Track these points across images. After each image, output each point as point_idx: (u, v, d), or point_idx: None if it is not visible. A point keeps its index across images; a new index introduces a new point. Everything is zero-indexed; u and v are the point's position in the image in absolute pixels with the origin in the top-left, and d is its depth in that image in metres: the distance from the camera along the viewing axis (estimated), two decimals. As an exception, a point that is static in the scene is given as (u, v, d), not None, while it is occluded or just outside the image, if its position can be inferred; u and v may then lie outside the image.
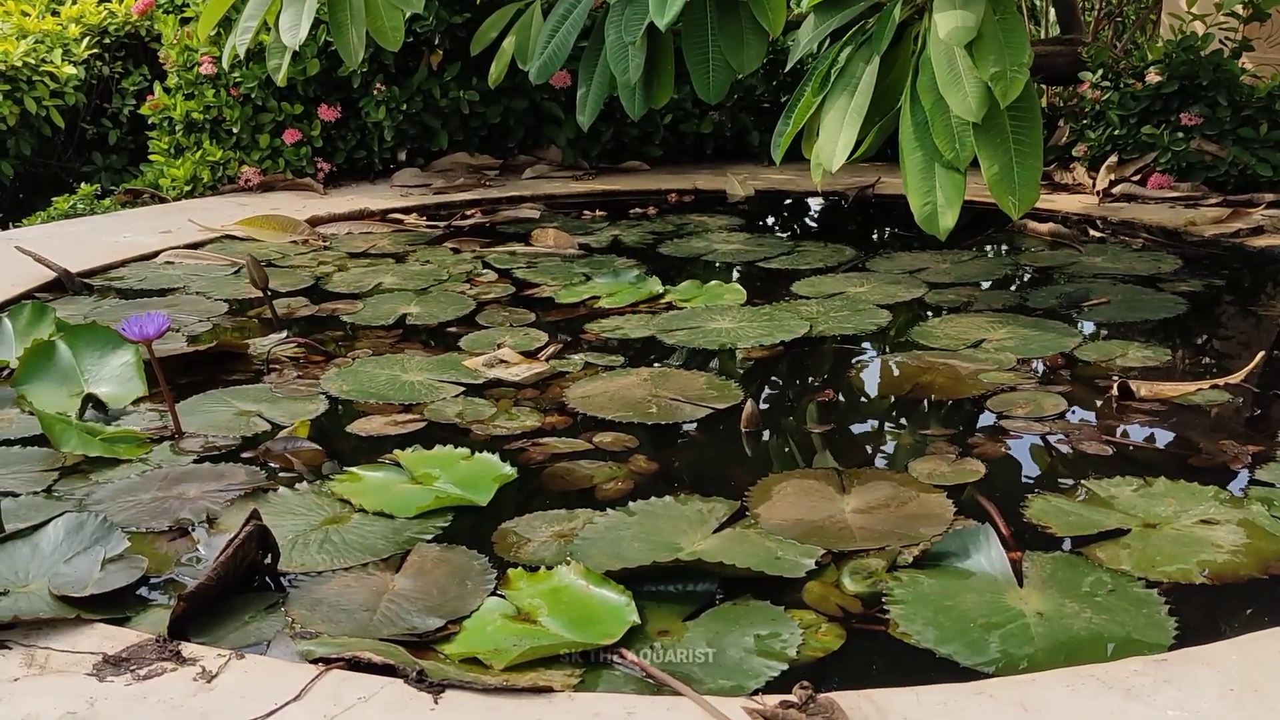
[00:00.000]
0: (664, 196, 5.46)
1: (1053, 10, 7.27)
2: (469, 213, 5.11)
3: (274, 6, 4.16)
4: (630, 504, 2.35)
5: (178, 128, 5.53)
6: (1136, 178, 5.25)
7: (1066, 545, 2.19)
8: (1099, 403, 2.90)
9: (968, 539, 2.15)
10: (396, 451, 2.60)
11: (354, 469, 2.51)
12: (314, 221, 4.85)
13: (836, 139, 3.50)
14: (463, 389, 3.01)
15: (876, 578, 2.08)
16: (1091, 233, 4.69)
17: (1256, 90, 5.16)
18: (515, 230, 4.82)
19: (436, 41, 5.61)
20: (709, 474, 2.58)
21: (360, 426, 2.78)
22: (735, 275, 4.13)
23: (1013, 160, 3.27)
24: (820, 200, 5.47)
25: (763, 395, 3.02)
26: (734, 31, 4.08)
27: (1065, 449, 2.62)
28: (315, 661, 1.78)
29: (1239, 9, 5.42)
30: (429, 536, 2.23)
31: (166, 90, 5.62)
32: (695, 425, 2.79)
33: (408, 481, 2.46)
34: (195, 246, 4.50)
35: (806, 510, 2.34)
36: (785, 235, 4.73)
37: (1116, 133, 5.35)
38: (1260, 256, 4.25)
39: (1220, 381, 2.97)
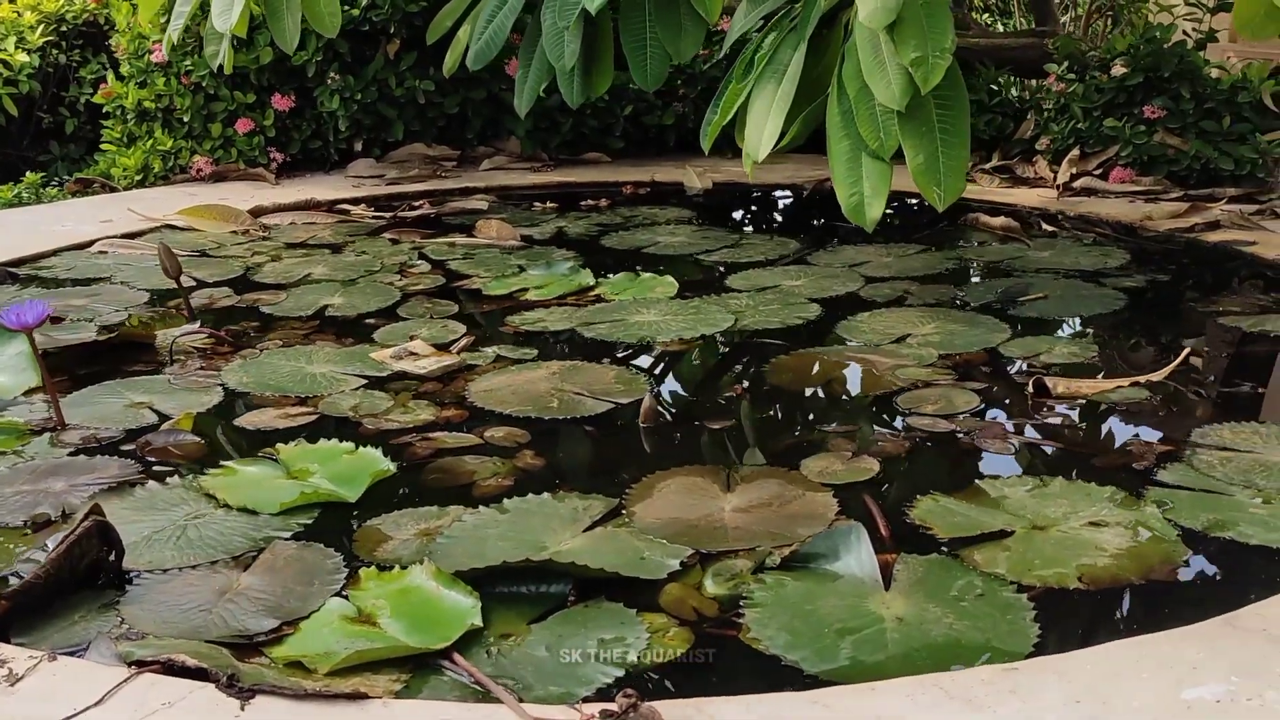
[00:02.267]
0: (620, 189, 5.39)
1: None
2: (417, 203, 5.04)
3: (206, -9, 4.10)
4: (505, 501, 2.28)
5: (130, 116, 5.48)
6: (1098, 171, 5.15)
7: (946, 547, 2.11)
8: (1013, 400, 2.82)
9: (838, 540, 2.08)
10: (279, 446, 2.53)
11: (229, 463, 2.44)
12: (257, 212, 4.79)
13: (763, 128, 3.41)
14: (365, 382, 2.94)
15: (740, 580, 2.00)
16: (1046, 227, 4.61)
17: (1220, 83, 5.06)
18: (461, 222, 4.75)
19: (393, 30, 5.54)
20: (596, 470, 2.51)
21: (250, 419, 2.72)
22: (672, 268, 4.05)
23: (938, 149, 3.18)
24: (779, 193, 5.39)
25: (670, 390, 2.94)
26: (672, 18, 4.00)
27: (968, 447, 2.54)
28: (132, 664, 1.71)
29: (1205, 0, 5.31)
30: (288, 534, 2.17)
31: (120, 78, 5.57)
32: (594, 420, 2.71)
33: (282, 476, 2.40)
34: (132, 236, 4.44)
35: (685, 508, 2.26)
36: (734, 228, 4.64)
37: (1080, 125, 5.26)
38: (1212, 252, 4.16)
39: (1141, 379, 2.89)
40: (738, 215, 5.08)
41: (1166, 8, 5.89)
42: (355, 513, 2.27)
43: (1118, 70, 5.20)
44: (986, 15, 11.44)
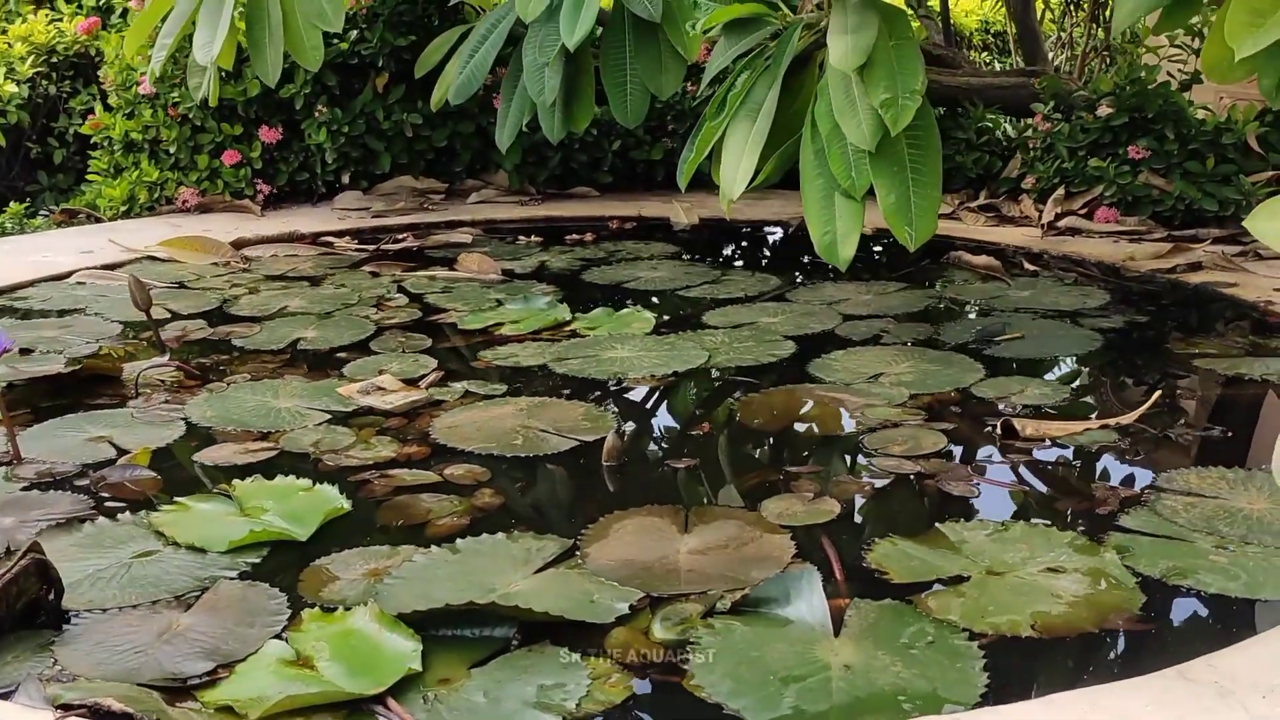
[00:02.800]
0: (606, 223, 5.38)
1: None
2: (401, 236, 5.04)
3: (188, 23, 4.11)
4: (458, 541, 2.26)
5: (116, 147, 5.49)
6: (1083, 211, 5.14)
7: (901, 592, 2.08)
8: (980, 442, 2.79)
9: (790, 584, 2.05)
10: (234, 482, 2.51)
11: (183, 499, 2.42)
12: (240, 244, 4.78)
13: (738, 166, 3.41)
14: (329, 417, 2.92)
15: (688, 625, 1.97)
16: (1028, 266, 4.59)
17: (1205, 124, 5.06)
18: (443, 255, 4.74)
19: (381, 63, 5.55)
20: (554, 510, 2.49)
21: (209, 454, 2.70)
22: (650, 303, 4.04)
23: (910, 189, 3.17)
24: (766, 229, 5.38)
25: (637, 428, 2.92)
26: (652, 54, 4.01)
27: (931, 489, 2.52)
28: (58, 708, 1.68)
29: (1188, 40, 5.32)
30: (234, 573, 2.14)
31: (108, 109, 5.58)
32: (557, 458, 2.69)
33: (234, 514, 2.37)
34: (112, 267, 4.44)
35: (640, 550, 2.24)
36: (717, 264, 4.63)
37: (1065, 165, 5.25)
38: (1193, 293, 4.14)
39: (1111, 421, 2.86)
40: (722, 251, 5.07)
41: (1153, 49, 5.89)
42: (305, 551, 2.24)
43: (1103, 110, 5.20)
44: (985, 54, 11.51)
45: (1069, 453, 2.72)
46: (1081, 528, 2.32)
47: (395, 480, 2.55)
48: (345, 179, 5.67)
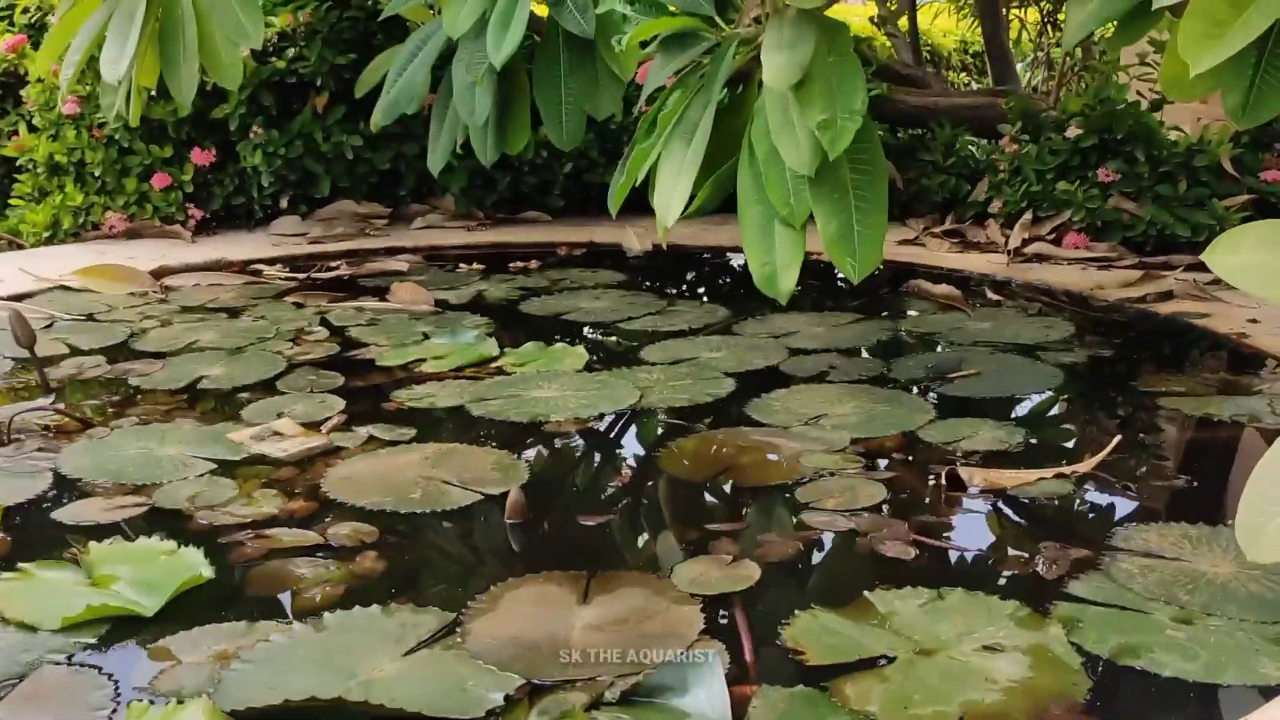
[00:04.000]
0: (555, 250, 5.15)
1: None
2: (334, 264, 4.80)
3: (97, 39, 3.87)
4: (326, 615, 2.01)
5: (40, 170, 5.24)
6: (1051, 236, 4.93)
7: (816, 677, 1.83)
8: (923, 494, 2.56)
9: (689, 670, 1.80)
10: (90, 544, 2.25)
11: (26, 566, 2.16)
12: (161, 272, 4.54)
13: (673, 191, 3.17)
14: (214, 466, 2.67)
15: (569, 719, 1.73)
16: (991, 295, 4.37)
17: (1176, 145, 4.85)
18: (377, 284, 4.50)
19: (320, 83, 5.32)
20: (442, 576, 2.24)
21: (72, 511, 2.44)
22: (587, 337, 3.80)
23: (853, 217, 2.94)
24: (720, 257, 5.15)
25: (549, 478, 2.67)
26: (588, 73, 3.78)
27: (864, 550, 2.27)
28: None
29: (1159, 58, 5.12)
30: (62, 656, 1.89)
31: (33, 130, 5.33)
32: (456, 514, 2.44)
33: (81, 583, 2.12)
34: (20, 298, 4.18)
35: (530, 625, 1.99)
36: (664, 294, 4.40)
37: (1033, 188, 5.04)
38: (1163, 324, 3.92)
39: (1067, 470, 2.63)
40: (672, 280, 4.83)
41: (1124, 67, 5.70)
42: (151, 629, 1.99)
43: (1072, 132, 5.00)
44: (964, 74, 11.34)
45: (1019, 506, 2.48)
46: (1026, 596, 2.08)
47: (271, 541, 2.30)
48: (283, 203, 5.43)
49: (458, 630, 1.97)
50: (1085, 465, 2.66)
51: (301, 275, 4.64)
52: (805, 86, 2.84)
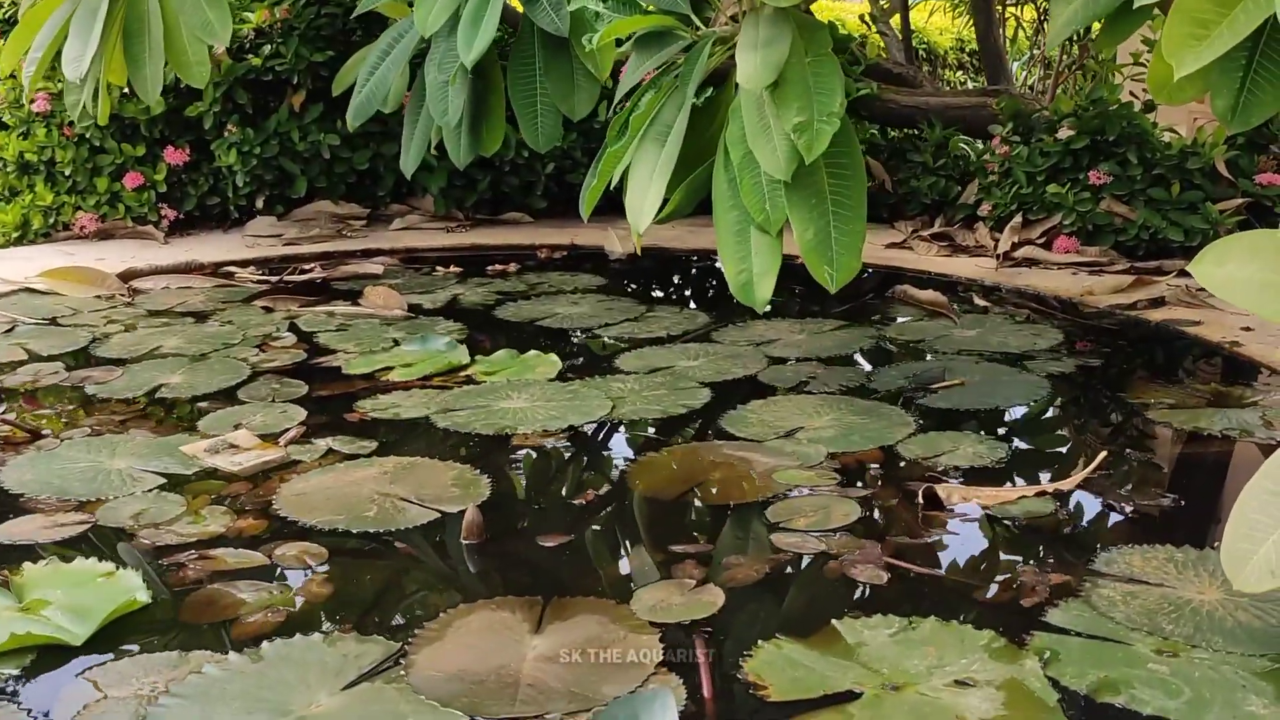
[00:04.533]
0: (535, 252, 5.05)
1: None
2: (308, 266, 4.69)
3: (59, 36, 3.76)
4: (265, 645, 1.90)
5: (10, 169, 5.13)
6: (1041, 240, 4.82)
7: (777, 715, 1.73)
8: (899, 513, 2.45)
9: (640, 709, 1.70)
10: (24, 566, 2.15)
11: (-47, 590, 2.06)
12: (129, 275, 4.43)
13: (645, 195, 3.06)
14: (164, 481, 2.57)
15: (511, 762, 1.63)
16: (978, 301, 4.26)
17: (1170, 147, 4.75)
18: (350, 287, 4.39)
19: (297, 80, 5.22)
20: (391, 602, 2.13)
21: (10, 529, 2.34)
22: (561, 344, 3.69)
23: (830, 224, 2.84)
24: (706, 260, 5.04)
25: (510, 496, 2.56)
26: (563, 72, 3.67)
27: (834, 574, 2.17)
28: None
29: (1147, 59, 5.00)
30: (-22, 690, 1.78)
31: (2, 127, 5.22)
32: (411, 534, 2.34)
33: (10, 608, 2.01)
34: (-17, 301, 4.08)
35: (479, 655, 1.89)
36: (645, 299, 4.29)
37: (1023, 191, 4.94)
38: (1154, 332, 3.82)
39: (1050, 487, 2.53)
40: (654, 284, 4.73)
41: (1118, 67, 5.60)
42: (79, 659, 1.88)
43: (1064, 133, 4.89)
44: (960, 73, 11.23)
45: (998, 527, 2.38)
46: (1002, 625, 1.98)
47: (215, 563, 2.20)
48: (259, 204, 5.32)
49: (402, 661, 1.87)
50: (1069, 482, 2.56)
51: (274, 278, 4.54)
52: (781, 88, 2.74)
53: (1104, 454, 2.67)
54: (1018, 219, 4.90)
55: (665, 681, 1.81)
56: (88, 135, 5.02)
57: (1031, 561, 2.22)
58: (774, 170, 2.78)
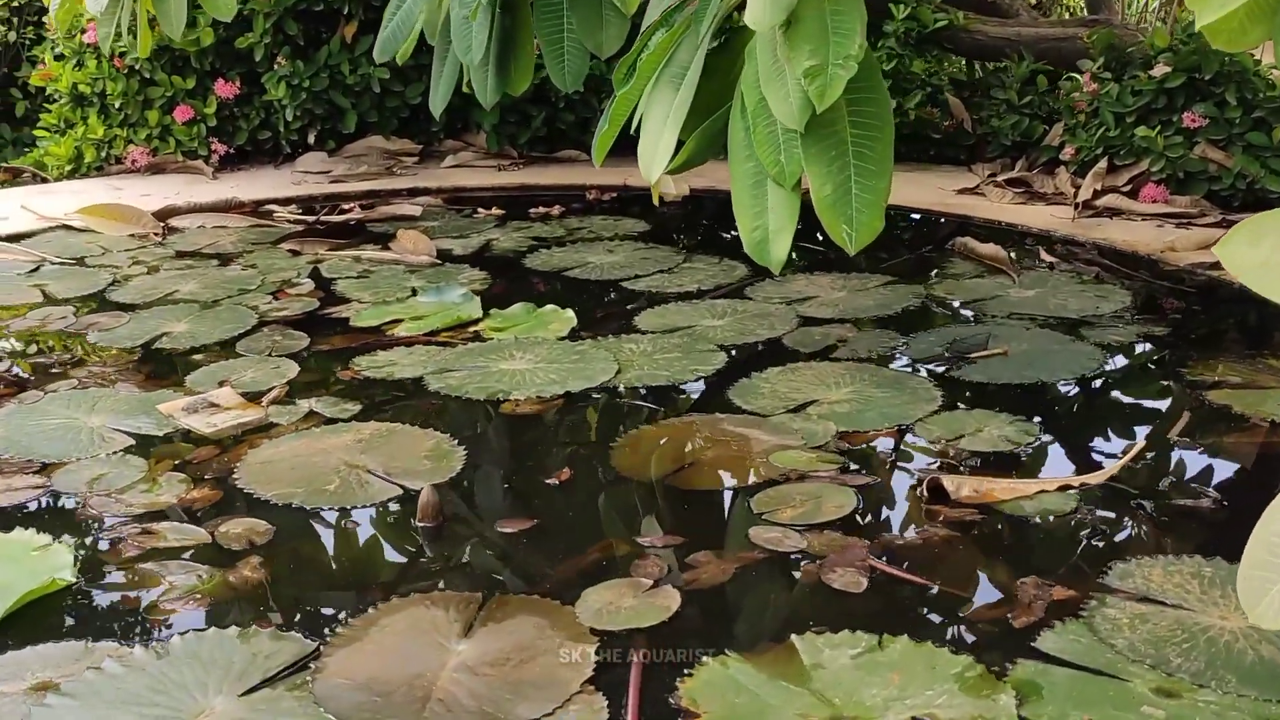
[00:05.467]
0: (584, 193, 4.84)
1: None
2: (348, 206, 4.57)
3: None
4: (175, 638, 1.79)
5: (64, 101, 5.10)
6: (1127, 188, 4.45)
7: (704, 749, 1.56)
8: (899, 505, 2.23)
9: (542, 740, 1.54)
10: (-42, 537, 2.07)
11: (-121, 562, 1.99)
12: (167, 213, 4.36)
13: (658, 142, 2.85)
14: (133, 442, 2.47)
15: (393, 793, 1.48)
16: (1044, 256, 3.94)
17: (1273, 88, 4.31)
18: (385, 229, 4.26)
19: (349, 10, 5.06)
20: (323, 591, 2.00)
21: (-40, 493, 2.27)
22: (583, 298, 3.51)
23: (851, 179, 2.58)
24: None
25: (481, 470, 2.40)
26: (590, 8, 3.43)
27: (808, 579, 1.97)
28: None
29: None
30: None
31: (59, 58, 5.19)
32: (367, 512, 2.20)
33: (-70, 584, 1.93)
34: (17, 239, 4.05)
35: (396, 661, 1.75)
36: (684, 247, 4.07)
37: (1110, 133, 4.55)
38: (1234, 296, 3.46)
39: (1074, 482, 2.27)
40: (698, 230, 4.49)
41: None
42: (-19, 646, 1.79)
43: (1158, 70, 4.49)
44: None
45: (1007, 526, 2.14)
46: (985, 648, 1.77)
47: (155, 539, 2.09)
48: (311, 139, 5.21)
49: (313, 665, 1.73)
50: (1098, 476, 2.30)
51: (311, 218, 4.42)
52: (794, 28, 2.48)
53: (1140, 445, 2.40)
54: (1102, 164, 4.53)
55: (589, 703, 1.64)
56: (138, 67, 4.95)
57: (1035, 570, 1.99)
58: (786, 119, 2.54)
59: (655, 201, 3.06)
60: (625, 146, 5.26)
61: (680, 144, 2.90)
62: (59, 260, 3.84)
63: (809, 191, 2.59)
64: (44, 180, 5.00)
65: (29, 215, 4.28)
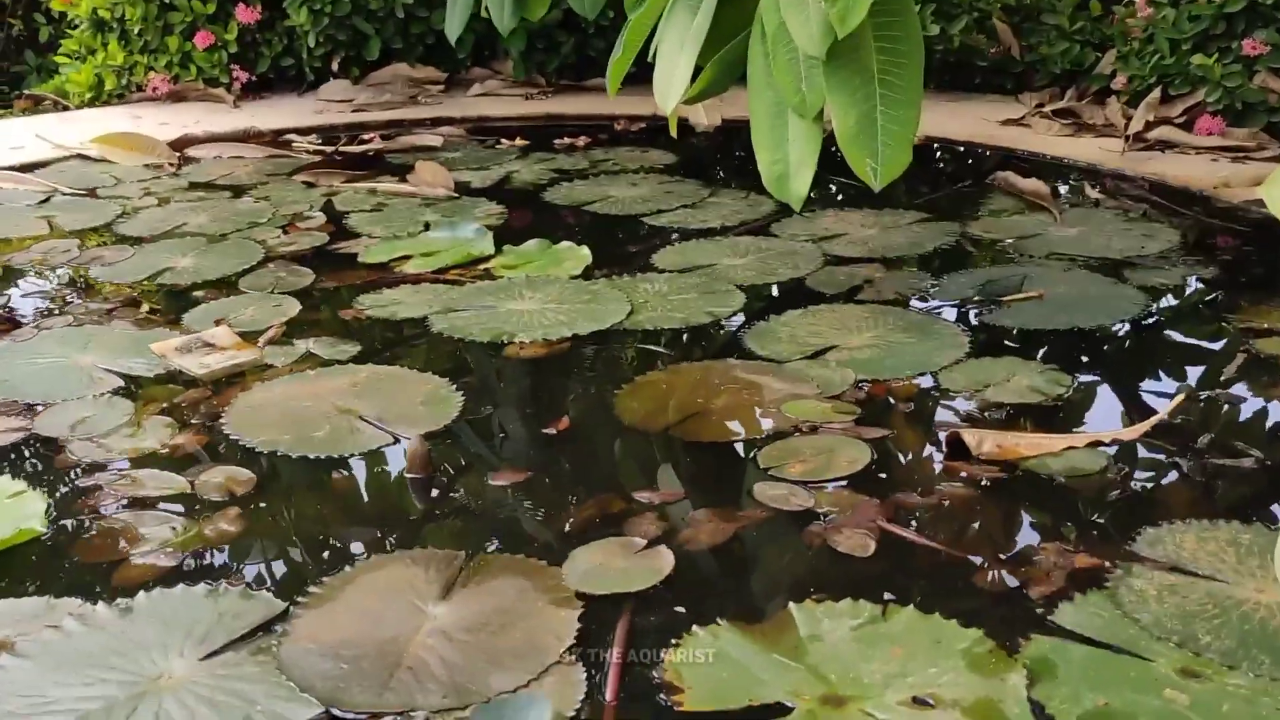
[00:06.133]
0: (612, 123, 4.68)
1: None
2: (368, 137, 4.45)
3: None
4: (141, 595, 1.71)
5: (85, 26, 4.99)
6: (1181, 120, 4.22)
7: (686, 728, 1.45)
8: (916, 460, 2.10)
9: (511, 713, 1.44)
10: (-68, 482, 2.00)
11: None
12: (184, 142, 4.26)
13: (673, 70, 2.71)
14: (121, 384, 2.39)
15: (351, 771, 1.39)
16: (1089, 192, 3.75)
17: (1344, 12, 4.05)
18: (404, 161, 4.13)
19: (373, -70, 4.89)
20: (300, 546, 1.90)
21: (-60, 436, 2.20)
22: (601, 234, 3.37)
23: (876, 110, 2.42)
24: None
25: (477, 420, 2.29)
26: (611, -73, 3.26)
27: (812, 541, 1.85)
28: None
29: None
30: None
31: (79, -18, 5.08)
32: (355, 463, 2.11)
33: (-103, 533, 1.87)
34: (29, 169, 3.97)
35: (368, 624, 1.66)
36: (711, 180, 3.91)
37: (1165, 61, 4.31)
38: (1292, 236, 3.26)
39: (1106, 438, 2.13)
40: (726, 163, 4.32)
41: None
42: (-57, 600, 1.72)
43: (1222, -8, 4.23)
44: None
45: (1030, 486, 2.00)
46: (996, 621, 1.64)
47: (134, 486, 2.01)
48: (334, 66, 5.07)
49: (278, 628, 1.64)
50: (1132, 431, 2.15)
51: (330, 149, 4.31)
52: (814, -55, 2.31)
53: (1180, 398, 2.24)
54: (1155, 94, 4.29)
55: (567, 675, 1.54)
56: (157, -10, 4.83)
57: (1058, 535, 1.85)
58: (806, 45, 2.38)
59: (673, 133, 2.92)
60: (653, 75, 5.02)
61: (700, 71, 2.76)
62: (70, 191, 3.76)
63: (832, 123, 2.44)
64: (65, 108, 4.91)
65: (45, 144, 4.19)
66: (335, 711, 1.48)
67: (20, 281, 3.02)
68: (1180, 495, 1.99)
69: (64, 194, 3.73)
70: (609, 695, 1.51)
